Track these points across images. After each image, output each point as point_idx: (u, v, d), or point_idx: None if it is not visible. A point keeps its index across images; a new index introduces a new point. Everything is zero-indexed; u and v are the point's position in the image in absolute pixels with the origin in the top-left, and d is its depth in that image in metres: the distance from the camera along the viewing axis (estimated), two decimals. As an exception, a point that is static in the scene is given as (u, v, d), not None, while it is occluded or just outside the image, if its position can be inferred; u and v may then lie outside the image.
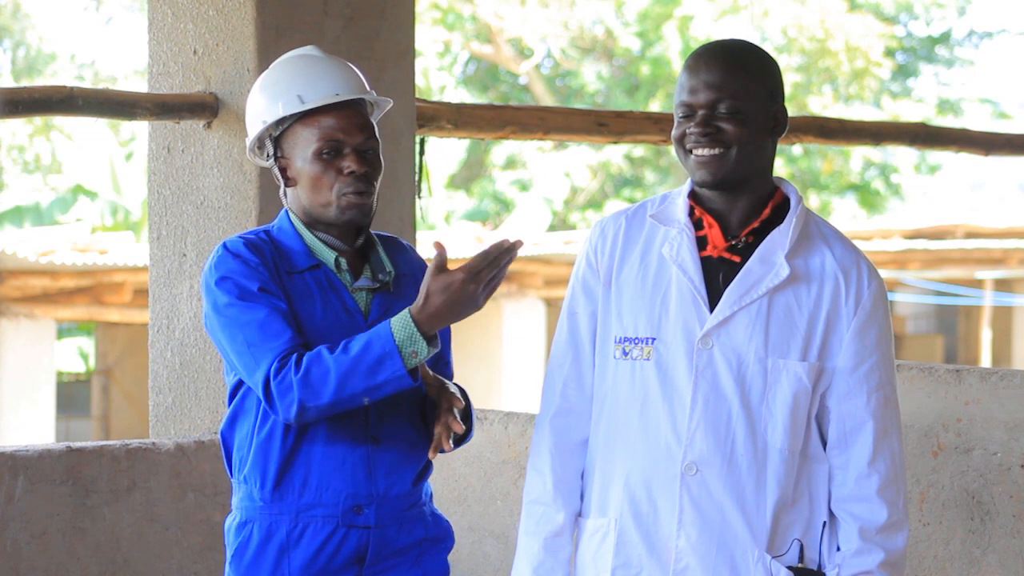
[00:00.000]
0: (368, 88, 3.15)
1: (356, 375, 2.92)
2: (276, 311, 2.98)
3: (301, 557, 3.04)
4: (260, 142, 3.14)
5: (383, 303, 3.10)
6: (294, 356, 2.94)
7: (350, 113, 3.07)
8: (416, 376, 2.95)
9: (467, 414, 3.10)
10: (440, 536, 3.18)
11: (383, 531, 3.06)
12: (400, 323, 2.92)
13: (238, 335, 2.98)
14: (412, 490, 3.11)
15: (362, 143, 3.07)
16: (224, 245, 3.07)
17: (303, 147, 3.06)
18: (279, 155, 3.11)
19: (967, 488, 3.68)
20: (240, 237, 3.10)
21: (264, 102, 3.10)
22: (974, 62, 27.68)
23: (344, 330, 3.03)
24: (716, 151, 2.81)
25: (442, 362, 3.19)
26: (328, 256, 3.09)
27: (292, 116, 3.06)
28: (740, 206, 2.87)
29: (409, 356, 2.91)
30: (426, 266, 3.19)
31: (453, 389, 3.08)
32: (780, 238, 2.85)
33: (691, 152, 2.84)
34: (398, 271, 3.15)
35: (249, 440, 3.09)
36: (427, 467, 3.17)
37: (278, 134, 3.09)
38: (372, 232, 3.18)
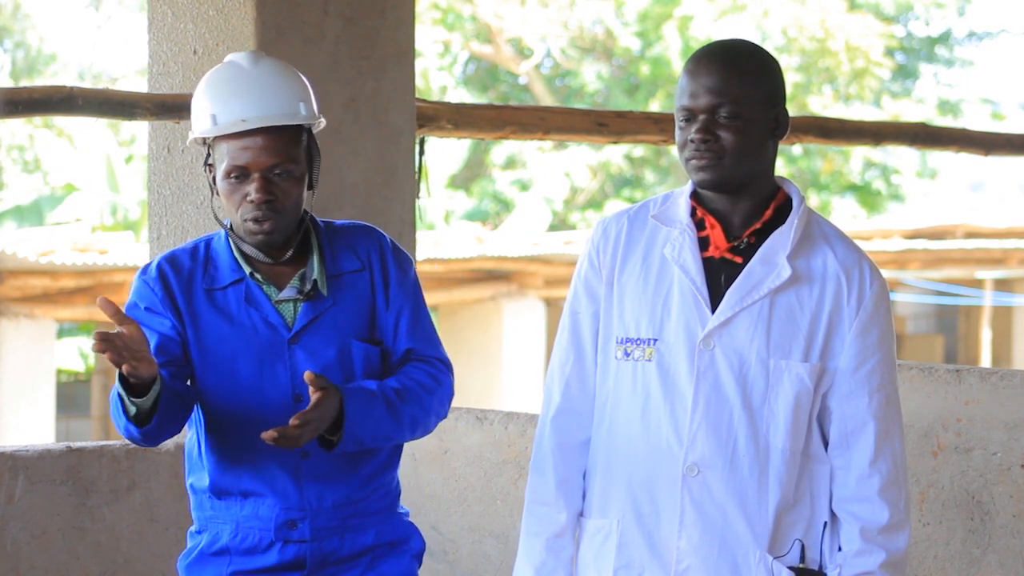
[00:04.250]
0: (302, 102, 3.02)
1: (115, 411, 2.91)
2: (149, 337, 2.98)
3: (240, 563, 3.05)
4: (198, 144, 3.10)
5: (310, 311, 3.04)
6: None
7: (260, 138, 2.96)
8: (143, 422, 2.86)
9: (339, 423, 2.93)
10: (398, 540, 3.14)
11: (321, 543, 3.04)
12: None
13: None
14: (354, 498, 3.06)
15: (269, 168, 2.97)
16: (147, 265, 3.07)
17: (219, 163, 3.01)
18: (209, 163, 3.06)
19: (967, 488, 3.68)
20: (169, 252, 3.09)
21: (192, 112, 3.06)
22: (974, 62, 27.68)
23: (265, 345, 3.01)
24: (714, 159, 2.81)
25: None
26: (247, 271, 3.05)
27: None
28: (742, 207, 2.87)
29: (130, 406, 2.87)
30: (389, 251, 3.11)
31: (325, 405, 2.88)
32: (782, 239, 2.84)
33: (690, 159, 2.84)
34: (340, 270, 3.08)
35: (192, 452, 3.13)
36: (378, 473, 3.11)
37: (210, 141, 3.04)
38: (323, 223, 3.11)
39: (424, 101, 5.17)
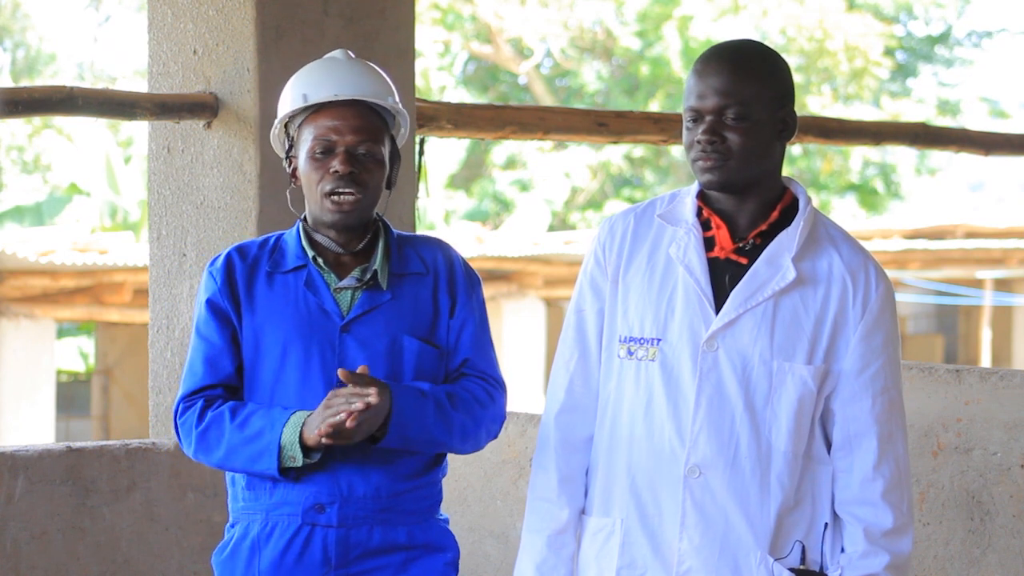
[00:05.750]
0: (391, 96, 3.14)
1: (240, 455, 3.02)
2: (204, 347, 3.09)
3: (270, 556, 3.07)
4: (281, 139, 3.20)
5: (367, 301, 3.09)
6: (200, 403, 3.08)
7: (348, 114, 3.07)
8: (289, 475, 3.01)
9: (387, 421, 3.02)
10: (433, 544, 3.14)
11: (348, 531, 3.06)
12: (294, 423, 2.98)
13: (187, 357, 3.16)
14: (385, 492, 3.08)
15: (355, 144, 3.06)
16: (216, 256, 3.17)
17: (304, 145, 3.09)
18: (291, 153, 3.15)
19: (967, 488, 3.68)
20: (240, 243, 3.19)
21: (281, 100, 3.16)
22: (974, 62, 27.69)
23: (317, 330, 3.06)
24: (720, 161, 2.80)
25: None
26: (311, 254, 3.12)
27: (303, 115, 3.10)
28: (748, 208, 2.86)
29: (287, 459, 2.98)
30: (459, 266, 3.19)
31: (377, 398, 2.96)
32: (787, 240, 2.84)
33: (696, 160, 2.83)
34: (404, 270, 3.14)
35: None
36: (418, 473, 3.12)
37: (294, 131, 3.13)
38: (395, 232, 3.19)
39: (424, 101, 5.16)
